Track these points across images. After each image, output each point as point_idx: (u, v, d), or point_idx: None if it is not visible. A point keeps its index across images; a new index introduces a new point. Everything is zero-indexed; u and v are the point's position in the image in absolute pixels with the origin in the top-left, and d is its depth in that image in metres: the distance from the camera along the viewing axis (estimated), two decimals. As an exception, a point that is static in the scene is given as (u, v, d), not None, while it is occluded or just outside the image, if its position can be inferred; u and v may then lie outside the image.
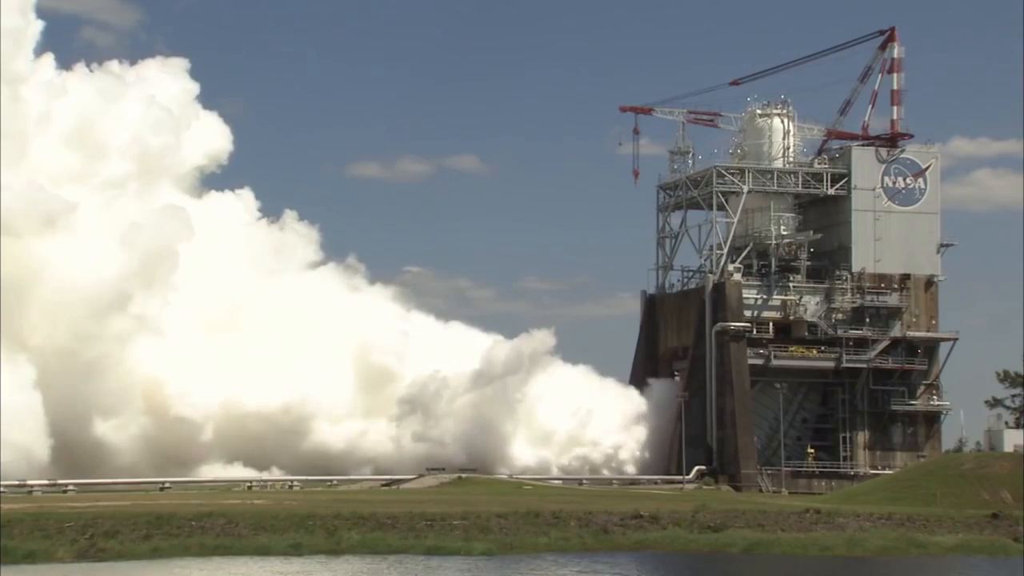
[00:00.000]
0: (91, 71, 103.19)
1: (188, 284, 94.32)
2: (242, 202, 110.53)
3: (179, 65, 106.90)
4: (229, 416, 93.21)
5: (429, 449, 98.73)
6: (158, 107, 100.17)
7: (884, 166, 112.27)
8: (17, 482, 78.17)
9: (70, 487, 79.59)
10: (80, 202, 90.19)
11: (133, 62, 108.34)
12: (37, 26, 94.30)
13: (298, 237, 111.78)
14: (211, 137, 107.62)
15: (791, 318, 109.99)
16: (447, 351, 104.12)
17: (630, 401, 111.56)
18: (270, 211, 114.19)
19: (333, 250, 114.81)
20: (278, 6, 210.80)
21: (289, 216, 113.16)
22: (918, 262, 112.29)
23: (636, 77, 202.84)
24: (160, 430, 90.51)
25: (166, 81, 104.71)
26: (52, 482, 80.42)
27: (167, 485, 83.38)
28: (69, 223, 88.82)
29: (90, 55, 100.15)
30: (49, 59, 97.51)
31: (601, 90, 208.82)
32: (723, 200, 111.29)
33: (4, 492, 72.39)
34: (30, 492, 76.57)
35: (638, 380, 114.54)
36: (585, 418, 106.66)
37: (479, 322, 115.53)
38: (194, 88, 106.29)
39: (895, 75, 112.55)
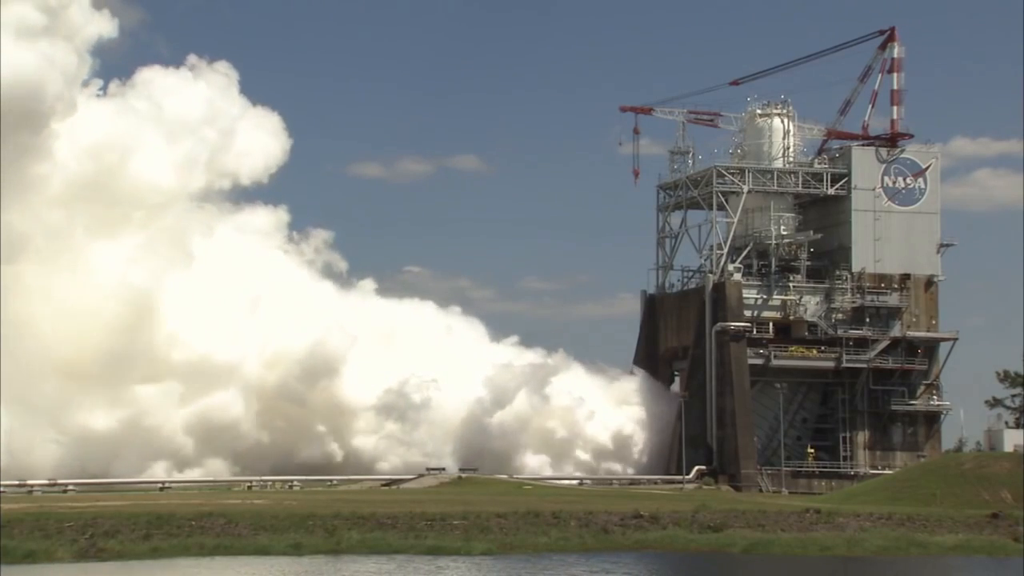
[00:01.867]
0: (127, 84, 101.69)
1: (180, 292, 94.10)
2: (275, 218, 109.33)
3: (225, 73, 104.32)
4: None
5: (407, 455, 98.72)
6: (196, 140, 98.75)
7: (884, 166, 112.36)
8: (17, 482, 78.21)
9: (70, 487, 79.63)
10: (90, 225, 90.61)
11: (176, 65, 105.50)
12: (88, 66, 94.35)
13: (315, 255, 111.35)
14: (252, 160, 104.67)
15: (791, 318, 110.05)
16: (448, 352, 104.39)
17: (629, 401, 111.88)
18: (299, 226, 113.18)
19: (341, 256, 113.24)
20: (279, 7, 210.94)
21: (316, 236, 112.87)
22: (918, 262, 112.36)
23: (636, 77, 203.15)
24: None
25: (209, 96, 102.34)
26: (52, 482, 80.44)
27: (167, 485, 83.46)
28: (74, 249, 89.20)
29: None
30: (95, 84, 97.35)
31: (601, 90, 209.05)
32: (723, 200, 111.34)
33: (4, 492, 72.41)
34: (30, 492, 76.61)
35: (638, 380, 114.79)
36: (584, 419, 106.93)
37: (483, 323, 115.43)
38: (240, 103, 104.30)
39: (895, 75, 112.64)
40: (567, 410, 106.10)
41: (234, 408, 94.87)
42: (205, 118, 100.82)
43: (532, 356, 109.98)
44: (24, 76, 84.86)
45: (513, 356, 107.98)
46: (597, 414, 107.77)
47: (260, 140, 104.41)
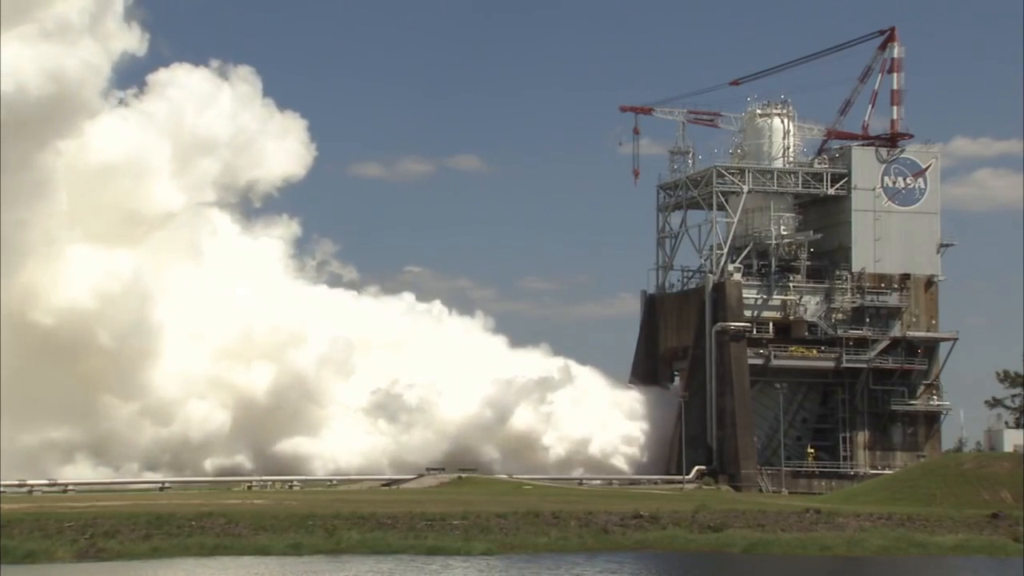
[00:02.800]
0: (144, 90, 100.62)
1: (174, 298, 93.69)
2: (287, 230, 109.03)
3: (247, 80, 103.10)
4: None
5: (397, 454, 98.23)
6: (216, 159, 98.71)
7: (884, 166, 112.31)
8: (17, 482, 78.17)
9: (70, 487, 79.60)
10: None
11: (197, 62, 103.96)
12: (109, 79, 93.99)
13: (320, 268, 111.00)
14: (271, 176, 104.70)
15: (791, 318, 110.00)
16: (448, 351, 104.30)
17: (630, 401, 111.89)
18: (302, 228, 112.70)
19: (345, 263, 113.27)
20: (277, 7, 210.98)
21: (323, 248, 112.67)
22: (918, 262, 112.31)
23: (636, 77, 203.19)
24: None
25: (232, 110, 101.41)
26: (52, 482, 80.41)
27: (167, 485, 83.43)
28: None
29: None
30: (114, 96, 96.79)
31: (601, 90, 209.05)
32: (723, 200, 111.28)
33: (4, 492, 72.38)
34: (30, 492, 76.56)
35: (638, 380, 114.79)
36: (584, 420, 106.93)
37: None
38: (262, 115, 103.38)
39: (895, 75, 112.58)
40: (566, 425, 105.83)
41: (217, 421, 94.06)
42: (227, 135, 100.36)
43: (539, 359, 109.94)
44: (56, 77, 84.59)
45: (520, 362, 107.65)
46: (597, 426, 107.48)
47: (282, 157, 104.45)
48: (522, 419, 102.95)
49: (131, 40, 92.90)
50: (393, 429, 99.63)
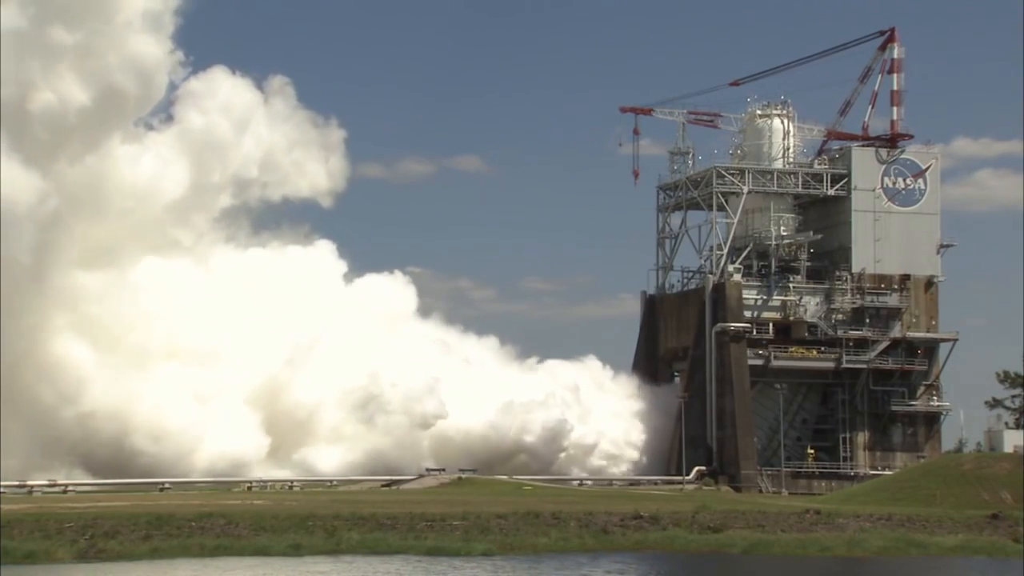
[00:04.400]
0: (171, 109, 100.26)
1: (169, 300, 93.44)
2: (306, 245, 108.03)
3: (283, 92, 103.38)
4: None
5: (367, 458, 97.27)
6: (243, 184, 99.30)
7: (884, 167, 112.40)
8: (17, 482, 78.17)
9: (70, 487, 79.62)
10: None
11: (232, 69, 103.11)
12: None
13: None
14: (304, 191, 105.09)
15: (791, 318, 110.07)
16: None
17: (630, 402, 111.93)
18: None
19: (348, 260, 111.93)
20: (278, 7, 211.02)
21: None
22: (918, 262, 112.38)
23: (636, 77, 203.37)
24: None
25: (268, 130, 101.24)
26: (52, 482, 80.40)
27: (166, 486, 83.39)
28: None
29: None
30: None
31: (601, 90, 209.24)
32: (723, 200, 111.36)
33: (4, 492, 72.39)
34: (30, 492, 76.57)
35: (638, 381, 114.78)
36: (583, 419, 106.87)
37: (480, 323, 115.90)
38: (298, 133, 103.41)
39: (895, 75, 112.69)
40: (568, 432, 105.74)
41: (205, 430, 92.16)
42: (260, 162, 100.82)
43: (544, 377, 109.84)
44: (103, 92, 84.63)
45: (525, 381, 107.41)
46: (599, 432, 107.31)
47: (321, 177, 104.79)
48: (523, 436, 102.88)
49: (176, 70, 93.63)
50: (371, 430, 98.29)
